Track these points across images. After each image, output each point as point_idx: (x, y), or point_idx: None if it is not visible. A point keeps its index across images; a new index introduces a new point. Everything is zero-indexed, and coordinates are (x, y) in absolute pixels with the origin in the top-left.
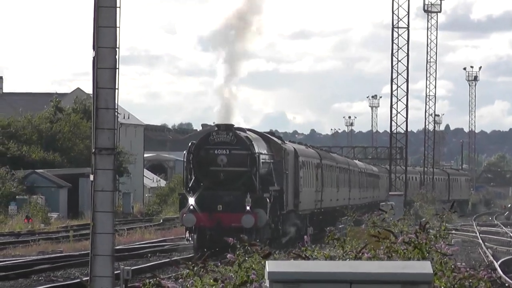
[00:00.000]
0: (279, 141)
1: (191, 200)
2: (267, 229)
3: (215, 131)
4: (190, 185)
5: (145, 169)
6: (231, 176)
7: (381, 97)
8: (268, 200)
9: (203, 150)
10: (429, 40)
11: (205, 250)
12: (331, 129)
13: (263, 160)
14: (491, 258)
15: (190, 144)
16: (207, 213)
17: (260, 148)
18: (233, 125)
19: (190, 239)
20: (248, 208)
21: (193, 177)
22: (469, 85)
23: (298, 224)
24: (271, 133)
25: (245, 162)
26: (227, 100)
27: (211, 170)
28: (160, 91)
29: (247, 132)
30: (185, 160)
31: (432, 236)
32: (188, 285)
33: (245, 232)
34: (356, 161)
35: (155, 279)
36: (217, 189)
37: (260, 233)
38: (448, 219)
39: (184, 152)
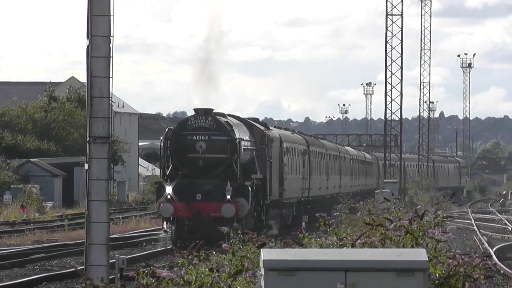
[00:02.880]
0: (263, 127)
1: (169, 189)
2: (249, 219)
3: (193, 116)
4: (167, 174)
5: (140, 158)
6: (211, 164)
7: (375, 84)
8: (250, 188)
9: (181, 136)
10: (423, 27)
11: (184, 241)
12: (326, 117)
13: (245, 147)
14: (486, 245)
15: (167, 129)
16: (185, 203)
17: (242, 134)
18: (212, 109)
19: (168, 230)
20: (228, 197)
21: (171, 165)
22: (464, 72)
23: (283, 213)
24: (255, 119)
25: (225, 148)
26: (206, 84)
27: (189, 157)
28: (155, 79)
29: (228, 117)
30: (162, 146)
31: (426, 222)
32: (183, 274)
33: (225, 222)
34: (347, 148)
35: (149, 267)
36: (195, 177)
37: (242, 223)
38: (446, 207)
39: (161, 138)
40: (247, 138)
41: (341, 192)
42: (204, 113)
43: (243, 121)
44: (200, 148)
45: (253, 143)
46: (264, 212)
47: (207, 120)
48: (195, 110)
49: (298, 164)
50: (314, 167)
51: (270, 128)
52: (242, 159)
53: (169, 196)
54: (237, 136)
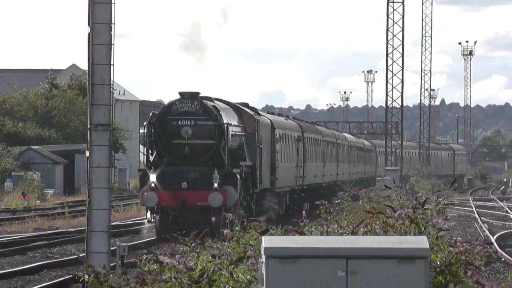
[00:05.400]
0: (252, 112)
1: (152, 177)
2: (238, 208)
3: (178, 100)
4: (151, 161)
5: (141, 145)
6: (197, 150)
7: (376, 72)
8: (238, 176)
9: (165, 121)
10: (424, 14)
11: (169, 231)
12: (327, 104)
13: (233, 133)
14: (487, 232)
15: (151, 114)
16: (170, 191)
17: (230, 119)
18: (198, 93)
19: (152, 220)
20: (215, 185)
21: (155, 152)
22: (465, 60)
23: (275, 203)
24: (244, 103)
25: (212, 134)
26: (193, 66)
27: (174, 144)
28: (157, 66)
29: (215, 101)
30: (145, 132)
31: (429, 212)
32: (185, 261)
33: (212, 212)
34: (345, 134)
35: (151, 254)
36: (181, 164)
37: (230, 212)
38: (447, 195)
39: (144, 123)
40: (236, 123)
41: (338, 180)
42: (189, 96)
43: (232, 105)
44: (185, 133)
45: (242, 129)
46: (254, 201)
47: (193, 104)
48: (180, 93)
49: (291, 151)
50: (309, 154)
51: (261, 113)
52: (230, 145)
53: (153, 185)
54: (225, 121)
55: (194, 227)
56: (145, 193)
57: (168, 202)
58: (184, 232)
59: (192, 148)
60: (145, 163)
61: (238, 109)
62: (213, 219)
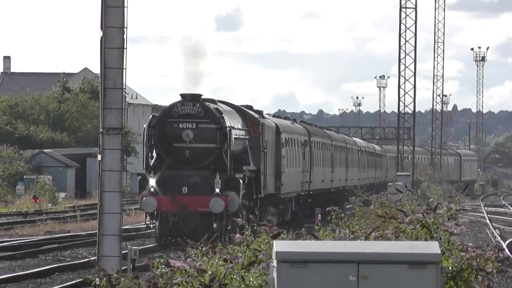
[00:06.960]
0: (257, 115)
1: (152, 182)
2: (240, 215)
3: (179, 102)
4: (151, 165)
5: None
6: (198, 154)
7: (389, 77)
8: (241, 181)
9: (166, 123)
10: (437, 20)
11: (168, 238)
12: (339, 109)
13: (236, 136)
14: (499, 238)
15: (151, 116)
16: (170, 196)
17: (233, 122)
18: (200, 95)
19: (152, 226)
20: (217, 190)
21: (155, 155)
22: (477, 66)
23: (280, 209)
24: (249, 106)
25: (215, 137)
26: (194, 66)
27: (175, 147)
28: (169, 70)
29: (218, 103)
30: (145, 135)
31: (440, 216)
32: (197, 265)
33: (214, 218)
34: (355, 139)
35: (163, 258)
36: (182, 168)
37: (232, 218)
38: (458, 200)
39: (144, 126)
40: (239, 126)
41: (347, 186)
42: (191, 98)
43: (236, 108)
44: (186, 136)
45: (246, 132)
46: (257, 207)
47: (195, 107)
48: (182, 95)
49: (297, 156)
50: (316, 159)
51: (266, 116)
52: (233, 149)
53: (152, 189)
54: (228, 124)
55: (195, 234)
56: (144, 198)
57: (168, 208)
58: (184, 238)
59: (193, 152)
60: (144, 167)
61: (242, 111)
62: (215, 225)
